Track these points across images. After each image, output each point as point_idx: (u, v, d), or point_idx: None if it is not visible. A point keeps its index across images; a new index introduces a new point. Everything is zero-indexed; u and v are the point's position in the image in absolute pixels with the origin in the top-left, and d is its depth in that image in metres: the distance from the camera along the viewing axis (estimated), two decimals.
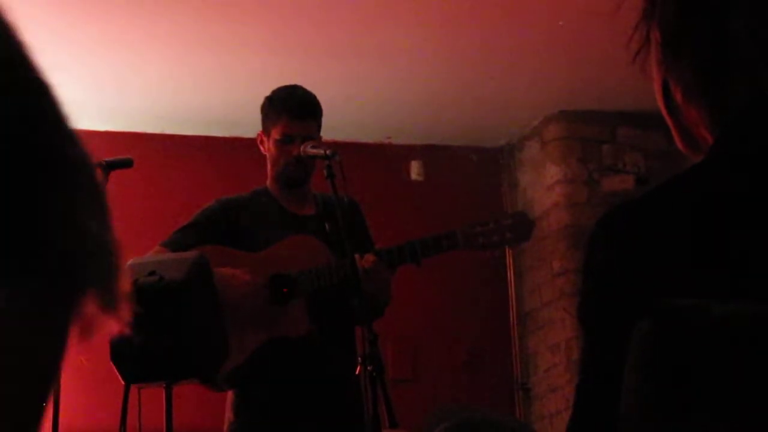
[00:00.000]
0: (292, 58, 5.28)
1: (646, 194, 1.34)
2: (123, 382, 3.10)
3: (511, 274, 6.43)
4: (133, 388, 3.19)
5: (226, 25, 4.97)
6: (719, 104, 1.34)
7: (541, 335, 6.22)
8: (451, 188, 6.45)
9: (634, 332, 1.17)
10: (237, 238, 3.61)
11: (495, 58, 5.43)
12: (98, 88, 5.52)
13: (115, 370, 3.06)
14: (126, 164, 3.55)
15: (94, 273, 0.75)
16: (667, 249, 1.25)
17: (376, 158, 6.41)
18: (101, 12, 4.77)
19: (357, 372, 3.21)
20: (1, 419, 0.71)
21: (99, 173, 3.39)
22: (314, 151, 3.50)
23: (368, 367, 3.13)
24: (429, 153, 6.54)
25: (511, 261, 6.41)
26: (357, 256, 3.37)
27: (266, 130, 3.69)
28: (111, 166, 3.46)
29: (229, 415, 3.59)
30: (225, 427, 3.60)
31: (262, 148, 3.73)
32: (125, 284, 0.78)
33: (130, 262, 3.17)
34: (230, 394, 3.62)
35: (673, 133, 1.44)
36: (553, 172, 6.20)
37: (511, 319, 6.41)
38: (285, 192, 3.71)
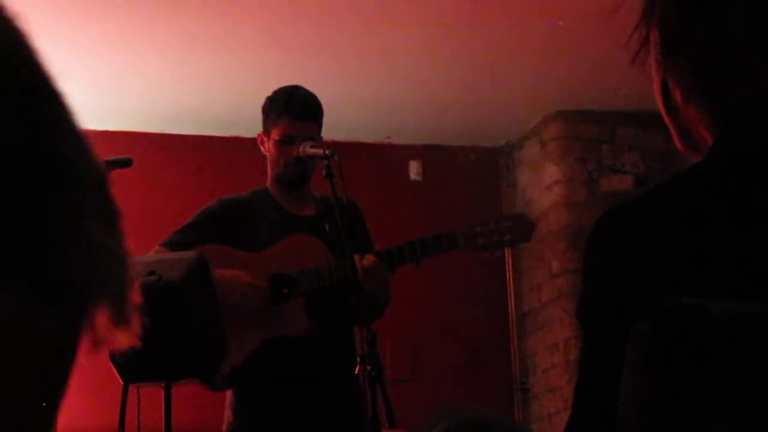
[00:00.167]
0: (292, 58, 5.28)
1: (645, 194, 1.34)
2: (122, 382, 3.10)
3: (510, 274, 6.43)
4: (132, 388, 3.20)
5: (226, 24, 4.97)
6: (719, 104, 1.34)
7: (540, 335, 6.23)
8: (450, 188, 6.45)
9: (633, 332, 1.17)
10: (237, 239, 3.61)
11: (494, 58, 5.43)
12: (97, 88, 5.52)
13: (114, 370, 3.06)
14: (125, 164, 3.55)
15: (105, 285, 0.75)
16: (667, 249, 1.25)
17: (376, 158, 6.41)
18: (100, 12, 4.77)
19: (356, 372, 3.22)
20: None
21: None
22: (313, 151, 3.50)
23: (367, 367, 3.13)
24: (428, 153, 6.54)
25: (510, 261, 6.41)
26: (357, 256, 3.37)
27: (267, 130, 3.69)
28: (110, 166, 3.45)
29: (228, 414, 3.59)
30: (224, 426, 3.60)
31: (262, 149, 3.73)
32: (136, 296, 0.78)
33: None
34: (229, 394, 3.62)
35: (672, 133, 1.44)
36: (552, 172, 6.20)
37: (510, 319, 6.41)
38: (285, 192, 3.71)
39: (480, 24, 5.06)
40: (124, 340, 0.76)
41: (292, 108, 3.62)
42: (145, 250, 3.55)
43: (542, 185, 6.28)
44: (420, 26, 5.06)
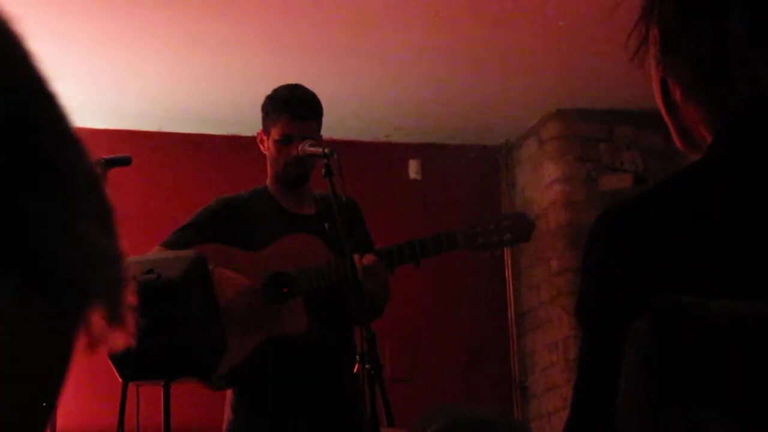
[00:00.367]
0: (291, 57, 5.28)
1: (644, 193, 1.34)
2: (121, 380, 3.10)
3: (509, 273, 6.43)
4: (131, 386, 3.20)
5: (225, 23, 4.97)
6: (718, 103, 1.34)
7: (539, 334, 6.23)
8: (450, 187, 6.45)
9: (632, 330, 1.17)
10: (236, 238, 3.61)
11: (493, 57, 5.43)
12: (97, 87, 5.52)
13: (113, 368, 3.06)
14: (124, 162, 3.55)
15: (101, 285, 0.75)
16: (665, 247, 1.26)
17: (375, 157, 6.41)
18: (100, 11, 4.77)
19: (355, 371, 3.21)
20: None
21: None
22: (312, 149, 3.50)
23: (366, 366, 3.13)
24: (427, 152, 6.53)
25: (509, 260, 6.41)
26: (356, 255, 3.37)
27: (266, 129, 3.68)
28: (109, 164, 3.45)
29: (228, 413, 3.59)
30: (224, 425, 3.60)
31: (261, 147, 3.72)
32: (131, 296, 0.78)
33: (127, 260, 3.16)
34: (229, 393, 3.62)
35: (672, 131, 1.44)
36: (551, 171, 6.20)
37: (509, 317, 6.42)
38: (284, 191, 3.71)
39: (479, 23, 5.06)
40: (119, 340, 0.76)
41: (292, 107, 3.61)
42: (145, 248, 3.55)
43: (541, 184, 6.28)
44: (419, 25, 5.06)
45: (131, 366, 3.04)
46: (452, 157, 6.55)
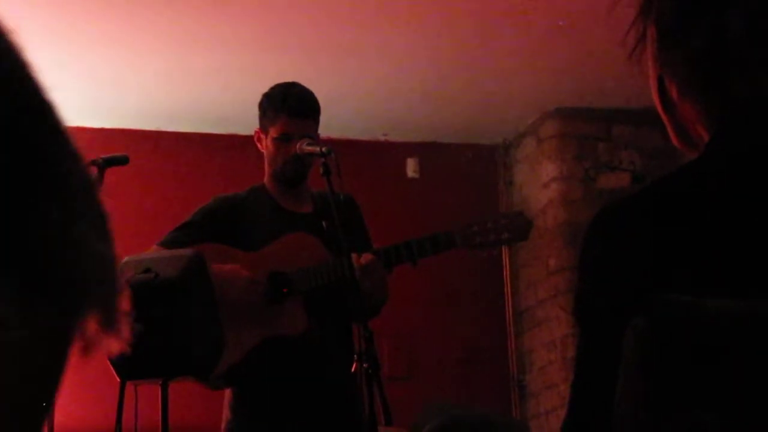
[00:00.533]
0: (288, 56, 5.28)
1: (642, 191, 1.34)
2: (119, 380, 3.10)
3: (507, 272, 6.43)
4: (129, 385, 3.19)
5: (223, 22, 4.96)
6: (715, 101, 1.34)
7: (536, 333, 6.23)
8: (447, 186, 6.45)
9: (630, 328, 1.17)
10: (234, 237, 3.61)
11: (491, 56, 5.43)
12: (95, 86, 5.52)
13: (111, 368, 3.06)
14: (122, 161, 3.55)
15: (96, 291, 0.76)
16: (663, 245, 1.26)
17: (373, 156, 6.41)
18: (99, 10, 4.77)
19: (353, 370, 3.21)
20: None
21: (93, 172, 3.39)
22: (310, 148, 3.49)
23: (364, 365, 3.13)
24: (425, 150, 6.54)
25: (507, 258, 6.41)
26: (354, 254, 3.37)
27: (264, 127, 3.67)
28: (107, 163, 3.45)
29: (226, 413, 3.59)
30: (222, 425, 3.60)
31: (259, 146, 3.72)
32: (125, 301, 0.78)
33: (125, 259, 3.16)
34: (228, 392, 3.61)
35: (669, 129, 1.44)
36: (549, 170, 6.20)
37: (507, 316, 6.42)
38: (282, 190, 3.70)
39: (477, 22, 5.06)
40: (114, 344, 0.76)
41: (290, 105, 3.61)
42: (142, 247, 3.54)
43: (539, 183, 6.29)
44: (417, 24, 5.06)
45: (129, 365, 3.04)
46: (450, 155, 6.55)
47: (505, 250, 6.32)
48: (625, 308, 1.20)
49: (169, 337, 3.01)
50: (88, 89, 5.52)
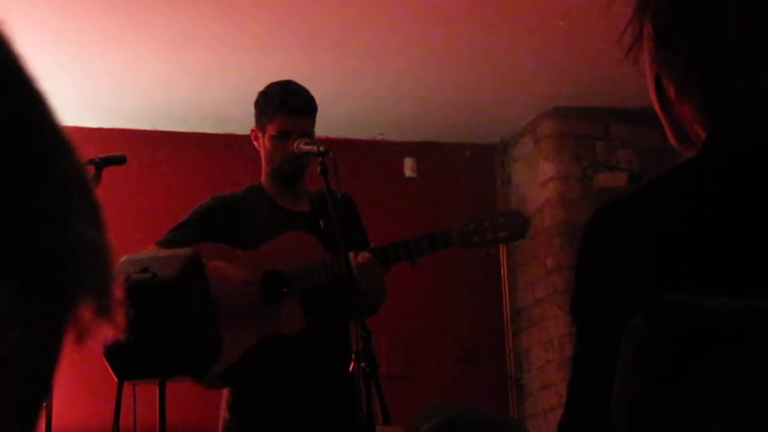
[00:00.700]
0: (286, 55, 5.28)
1: (639, 190, 1.34)
2: (116, 379, 3.10)
3: (504, 271, 6.43)
4: (127, 385, 3.19)
5: (220, 22, 4.96)
6: (712, 100, 1.34)
7: (534, 332, 6.23)
8: (445, 185, 6.45)
9: (627, 327, 1.17)
10: (232, 235, 3.61)
11: (488, 55, 5.43)
12: (92, 85, 5.52)
13: (108, 367, 3.06)
14: (119, 161, 3.55)
15: (89, 278, 0.76)
16: (660, 244, 1.26)
17: (370, 155, 6.40)
18: (96, 10, 4.76)
19: (351, 369, 3.21)
20: None
21: (91, 171, 3.39)
22: (308, 147, 3.49)
23: (362, 364, 3.13)
24: (422, 150, 6.54)
25: (504, 258, 6.41)
26: (351, 253, 3.37)
27: (261, 126, 3.67)
28: (104, 163, 3.45)
29: (223, 412, 3.59)
30: (220, 424, 3.60)
31: (256, 144, 3.72)
32: (118, 289, 0.78)
33: (123, 259, 3.16)
34: (225, 392, 3.61)
35: (666, 128, 1.44)
36: (546, 169, 6.20)
37: (505, 315, 6.42)
38: (280, 188, 3.70)
39: (474, 21, 5.06)
40: (108, 332, 0.76)
41: (288, 103, 3.61)
42: (140, 247, 3.54)
43: (537, 182, 6.29)
44: (414, 23, 5.06)
45: (127, 365, 3.04)
46: (447, 155, 6.55)
47: (502, 249, 6.32)
48: (622, 307, 1.20)
49: (166, 337, 3.01)
50: (86, 89, 5.52)
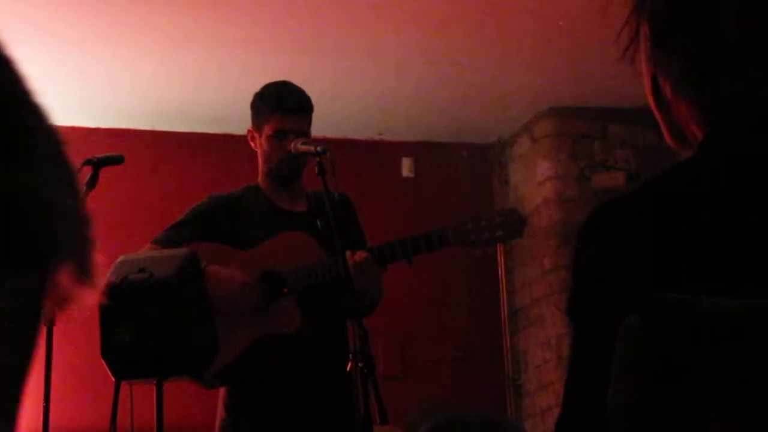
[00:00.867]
0: (283, 55, 5.27)
1: (636, 190, 1.34)
2: (113, 379, 3.10)
3: (501, 271, 6.43)
4: (124, 385, 3.19)
5: (217, 21, 4.96)
6: (709, 100, 1.34)
7: (531, 332, 6.23)
8: (442, 185, 6.45)
9: (623, 327, 1.17)
10: (229, 235, 3.61)
11: (486, 55, 5.43)
12: (89, 85, 5.51)
13: (106, 367, 3.06)
14: (117, 161, 3.55)
15: (67, 245, 0.75)
16: (657, 244, 1.26)
17: (368, 155, 6.41)
18: (93, 9, 4.76)
19: (348, 369, 3.21)
20: None
21: (89, 171, 3.39)
22: (305, 147, 3.49)
23: (359, 364, 3.13)
24: (420, 149, 6.54)
25: (501, 257, 6.41)
26: (348, 252, 3.37)
27: (258, 126, 3.68)
28: (102, 163, 3.45)
29: (220, 412, 3.59)
30: (216, 424, 3.60)
31: (252, 145, 3.72)
32: (98, 255, 0.78)
33: (120, 258, 3.17)
34: (222, 392, 3.61)
35: (662, 128, 1.44)
36: (543, 169, 6.20)
37: (502, 315, 6.42)
38: (277, 188, 3.71)
39: (472, 21, 5.06)
40: (88, 297, 0.76)
41: (285, 103, 3.61)
42: (137, 246, 3.54)
43: (534, 182, 6.29)
44: (412, 23, 5.06)
45: (124, 365, 3.04)
46: (445, 154, 6.55)
47: (500, 249, 6.32)
48: (619, 307, 1.20)
49: (164, 337, 3.01)
50: (84, 89, 5.52)
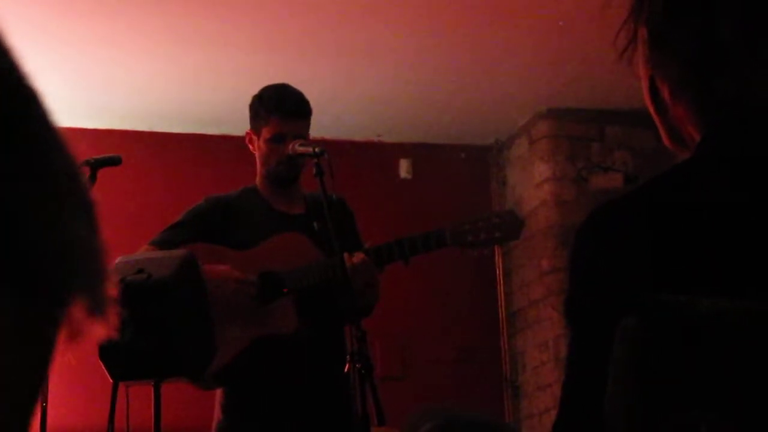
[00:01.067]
0: (281, 56, 5.28)
1: (634, 191, 1.34)
2: (111, 380, 3.10)
3: (499, 272, 6.43)
4: (122, 386, 3.19)
5: (215, 22, 4.96)
6: (706, 102, 1.34)
7: (529, 333, 6.23)
8: (440, 186, 6.45)
9: (620, 328, 1.18)
10: (226, 237, 3.61)
11: (484, 57, 5.43)
12: (86, 86, 5.51)
13: (103, 368, 3.06)
14: (114, 162, 3.55)
15: (82, 277, 0.75)
16: (655, 246, 1.26)
17: (365, 156, 6.41)
18: (89, 10, 4.76)
19: (346, 370, 3.21)
20: None
21: (86, 172, 3.39)
22: (303, 149, 3.50)
23: (357, 365, 3.13)
24: (418, 151, 6.54)
25: (499, 259, 6.41)
26: (346, 253, 3.37)
27: (256, 128, 3.68)
28: (99, 164, 3.45)
29: (217, 413, 3.59)
30: (213, 425, 3.60)
31: (251, 147, 3.72)
32: (112, 288, 0.78)
33: (118, 260, 3.16)
34: (219, 393, 3.61)
35: (660, 130, 1.44)
36: (541, 170, 6.21)
37: (500, 317, 6.42)
38: (274, 191, 3.71)
39: (470, 22, 5.06)
40: (101, 332, 0.76)
41: (283, 106, 3.61)
42: (134, 247, 3.54)
43: (532, 183, 6.29)
44: (410, 25, 5.06)
45: (121, 366, 3.04)
46: (443, 156, 6.55)
47: (497, 251, 6.32)
48: (616, 308, 1.20)
49: (162, 338, 3.01)
50: (80, 90, 5.51)
